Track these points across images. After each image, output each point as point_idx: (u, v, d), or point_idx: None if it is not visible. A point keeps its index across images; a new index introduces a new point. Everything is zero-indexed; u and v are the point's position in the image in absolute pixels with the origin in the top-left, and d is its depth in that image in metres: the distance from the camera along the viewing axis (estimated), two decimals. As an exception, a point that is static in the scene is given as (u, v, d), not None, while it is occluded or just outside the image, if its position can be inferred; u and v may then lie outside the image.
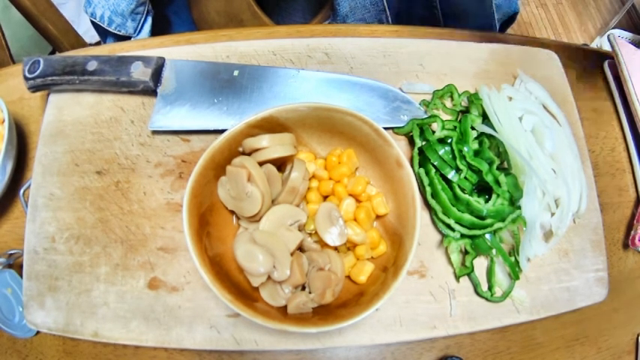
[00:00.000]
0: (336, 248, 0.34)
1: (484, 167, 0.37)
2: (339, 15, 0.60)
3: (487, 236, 0.37)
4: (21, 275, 0.37)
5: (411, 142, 0.41)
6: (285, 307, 0.32)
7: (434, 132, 0.40)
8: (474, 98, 0.41)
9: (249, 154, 0.35)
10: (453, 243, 0.37)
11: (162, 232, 0.38)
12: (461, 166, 0.38)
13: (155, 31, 0.64)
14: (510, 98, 0.43)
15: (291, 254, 0.32)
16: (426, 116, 0.41)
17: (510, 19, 0.62)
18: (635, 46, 0.49)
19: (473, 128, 0.40)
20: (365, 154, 0.37)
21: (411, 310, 0.37)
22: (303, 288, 0.33)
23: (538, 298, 0.38)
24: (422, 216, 0.33)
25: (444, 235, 0.38)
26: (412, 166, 0.39)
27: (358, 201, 0.37)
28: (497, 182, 0.37)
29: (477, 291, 0.37)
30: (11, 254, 0.39)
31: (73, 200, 0.38)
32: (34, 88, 0.40)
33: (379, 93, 0.42)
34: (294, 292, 0.32)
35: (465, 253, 0.38)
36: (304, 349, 0.37)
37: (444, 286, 0.38)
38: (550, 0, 1.60)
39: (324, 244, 0.34)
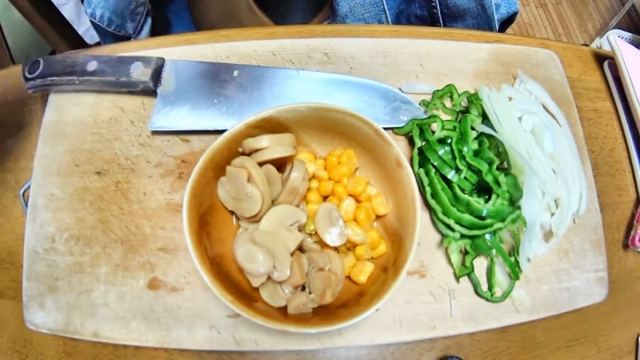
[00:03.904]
0: (336, 248, 0.34)
1: (484, 167, 0.37)
2: (338, 15, 0.60)
3: (487, 236, 0.37)
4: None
5: (411, 142, 0.41)
6: (285, 307, 0.32)
7: (433, 132, 0.40)
8: (473, 98, 0.41)
9: (249, 155, 0.35)
10: (453, 243, 0.37)
11: (162, 233, 0.38)
12: (461, 167, 0.38)
13: (155, 32, 0.64)
14: (510, 98, 0.43)
15: (291, 254, 0.32)
16: (426, 116, 0.41)
17: (510, 19, 0.62)
18: (635, 46, 0.49)
19: (473, 128, 0.40)
20: (365, 155, 0.37)
21: (411, 311, 0.37)
22: (303, 288, 0.33)
23: (538, 299, 0.38)
24: (422, 216, 0.33)
25: (444, 236, 0.38)
26: (412, 166, 0.39)
27: (358, 201, 0.37)
28: (497, 182, 0.37)
29: (477, 291, 0.37)
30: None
31: (72, 200, 0.38)
32: (34, 89, 0.40)
33: (379, 93, 0.42)
34: (294, 293, 0.32)
35: (465, 253, 0.38)
36: (304, 349, 0.37)
37: (444, 287, 0.38)
38: (550, 0, 1.60)
39: (324, 245, 0.34)
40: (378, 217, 0.37)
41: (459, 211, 0.37)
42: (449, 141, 0.40)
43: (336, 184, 0.36)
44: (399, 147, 0.33)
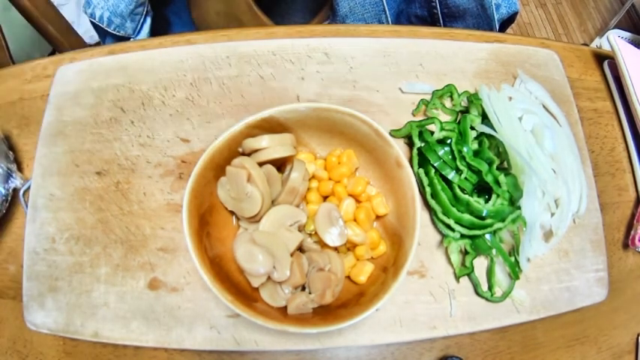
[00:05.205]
0: (336, 248, 0.34)
1: (484, 167, 0.37)
2: (338, 15, 0.60)
3: (487, 236, 0.37)
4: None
5: (411, 142, 0.41)
6: (285, 307, 0.32)
7: (432, 133, 0.40)
8: (473, 98, 0.41)
9: (249, 155, 0.35)
10: (452, 243, 0.37)
11: (162, 233, 0.38)
12: (461, 167, 0.38)
13: (155, 32, 0.64)
14: (510, 98, 0.43)
15: (291, 255, 0.32)
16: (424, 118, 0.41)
17: (510, 18, 0.62)
18: (635, 46, 0.49)
19: (472, 128, 0.40)
20: (365, 155, 0.37)
21: (411, 311, 0.37)
22: (303, 288, 0.33)
23: (538, 298, 0.38)
24: (422, 216, 0.33)
25: (443, 236, 0.38)
26: (412, 166, 0.39)
27: (358, 201, 0.37)
28: (497, 182, 0.37)
29: (477, 291, 0.37)
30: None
31: (73, 201, 0.38)
32: None
33: None
34: (294, 293, 0.32)
35: (465, 253, 0.38)
36: (304, 349, 0.37)
37: (444, 286, 0.38)
38: (550, 0, 1.60)
39: (324, 245, 0.34)
40: (378, 217, 0.37)
41: (459, 211, 0.37)
42: (449, 141, 0.40)
43: (336, 184, 0.36)
44: (398, 147, 0.33)
